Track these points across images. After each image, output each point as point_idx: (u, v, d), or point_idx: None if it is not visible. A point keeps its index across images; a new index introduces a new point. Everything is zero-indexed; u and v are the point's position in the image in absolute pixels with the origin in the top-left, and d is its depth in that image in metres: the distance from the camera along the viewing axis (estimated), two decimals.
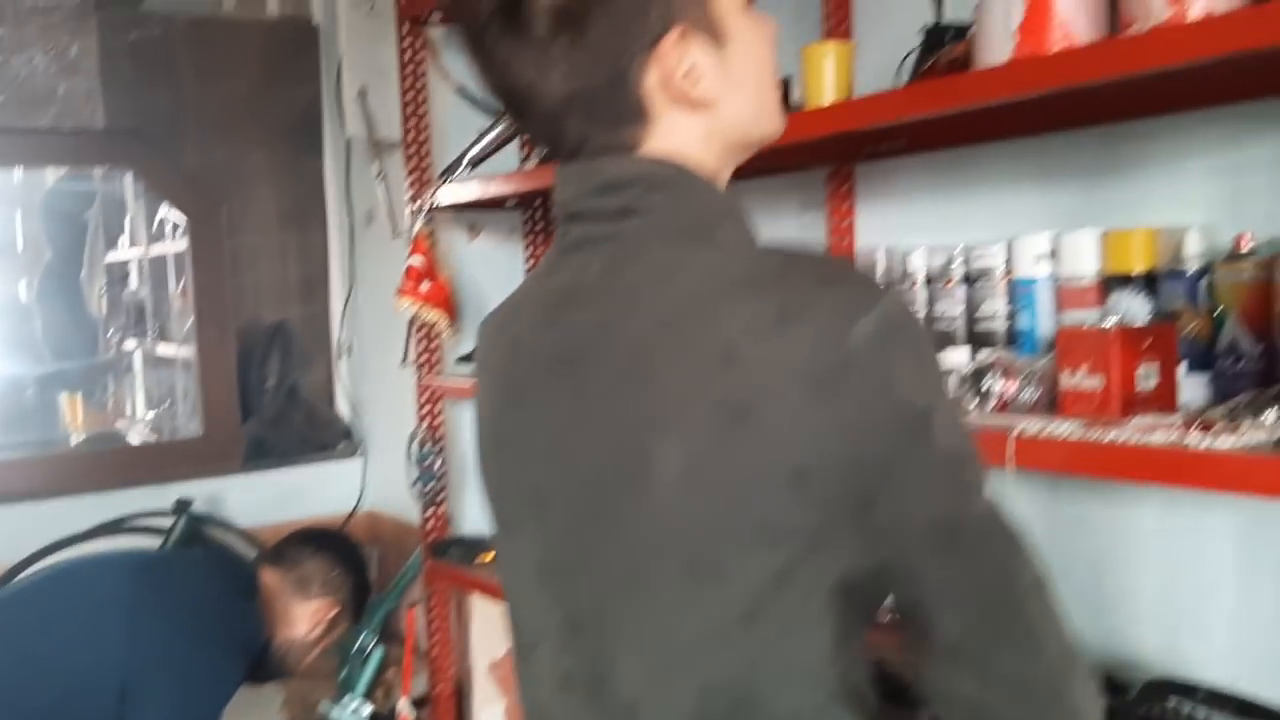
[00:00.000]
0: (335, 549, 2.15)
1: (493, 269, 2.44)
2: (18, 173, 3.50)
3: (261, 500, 2.83)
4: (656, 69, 0.84)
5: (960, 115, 1.27)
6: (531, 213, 2.41)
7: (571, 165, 0.90)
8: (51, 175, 3.67)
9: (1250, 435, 1.05)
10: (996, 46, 1.19)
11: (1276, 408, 1.06)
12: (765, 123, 0.92)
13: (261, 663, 2.05)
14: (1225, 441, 1.05)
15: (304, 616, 2.06)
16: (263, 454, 2.89)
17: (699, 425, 0.78)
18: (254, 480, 2.86)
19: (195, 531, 2.63)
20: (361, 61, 2.49)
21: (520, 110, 0.89)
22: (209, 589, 2.01)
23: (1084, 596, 1.52)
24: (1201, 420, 1.11)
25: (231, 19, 2.84)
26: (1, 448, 3.19)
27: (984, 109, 1.23)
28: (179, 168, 2.73)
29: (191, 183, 2.75)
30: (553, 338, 0.89)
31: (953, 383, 1.40)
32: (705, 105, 0.87)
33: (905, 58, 1.46)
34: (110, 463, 2.80)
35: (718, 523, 0.79)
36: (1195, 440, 1.07)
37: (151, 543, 2.58)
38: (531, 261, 2.42)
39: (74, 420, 3.73)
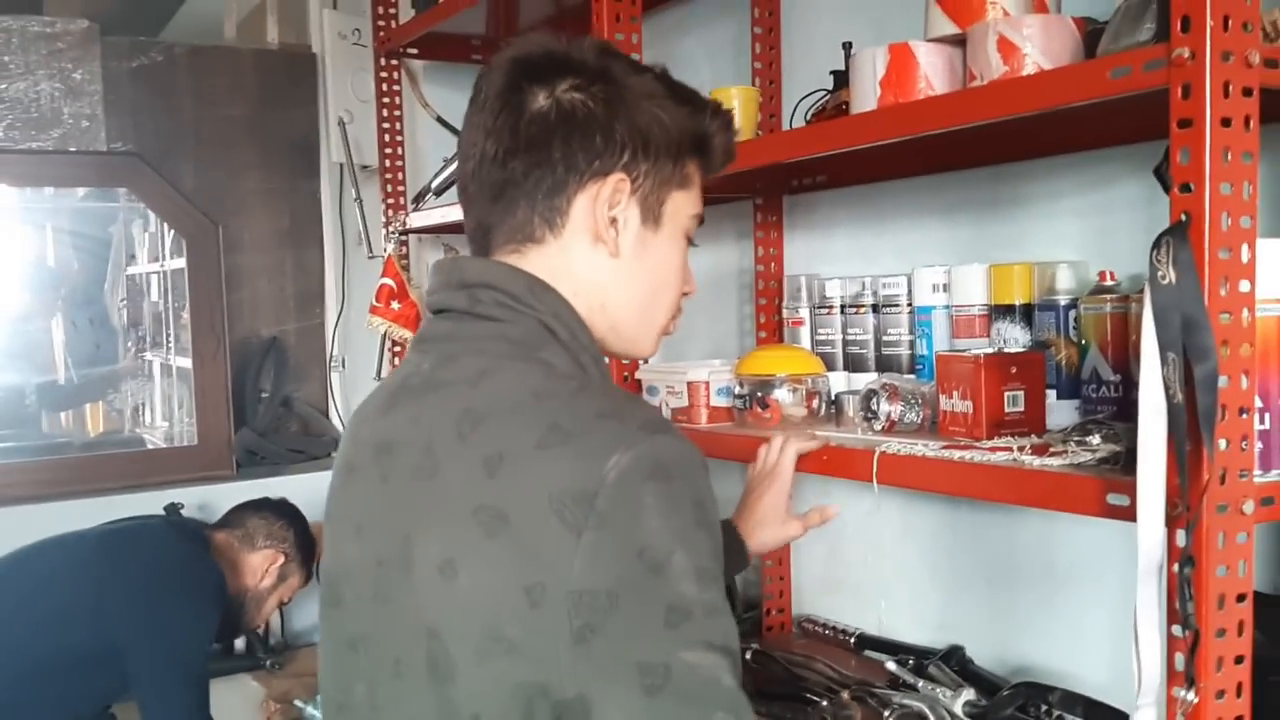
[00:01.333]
0: (275, 508, 2.32)
1: None
2: (48, 191, 3.68)
3: None
4: (591, 194, 0.91)
5: (861, 152, 1.37)
6: None
7: (442, 260, 0.99)
8: (80, 192, 3.84)
9: (1075, 456, 1.13)
10: (865, 95, 1.29)
11: (1101, 432, 1.15)
12: (642, 330, 0.98)
13: (227, 618, 2.19)
14: (1052, 461, 1.13)
15: (254, 566, 2.21)
16: (256, 462, 3.01)
17: (458, 527, 0.81)
18: (246, 487, 2.97)
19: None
20: (345, 90, 2.63)
21: (467, 171, 0.96)
22: (169, 547, 2.16)
23: (984, 605, 1.60)
24: (1039, 444, 1.20)
25: (232, 47, 2.99)
26: (14, 451, 3.33)
27: (869, 149, 1.33)
28: (177, 189, 2.87)
29: (189, 203, 2.89)
30: (380, 426, 0.94)
31: (849, 405, 1.49)
32: (610, 255, 0.93)
33: (800, 100, 1.56)
34: (110, 468, 2.94)
35: (459, 624, 0.81)
36: (1027, 460, 1.15)
37: None
38: None
39: (94, 426, 3.88)
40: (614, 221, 0.92)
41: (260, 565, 2.26)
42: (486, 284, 0.91)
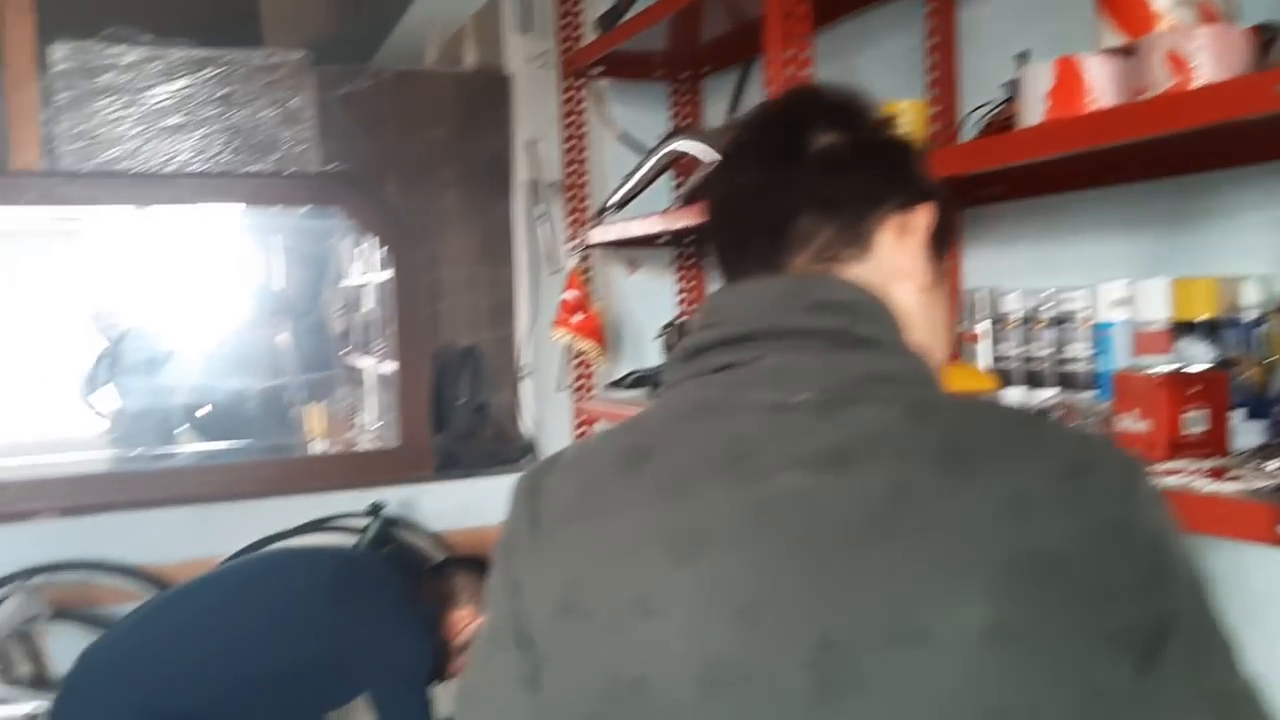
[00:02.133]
0: (482, 568, 2.38)
1: (648, 301, 2.61)
2: (273, 210, 3.97)
3: (451, 507, 3.10)
4: (898, 221, 0.87)
5: (1033, 166, 1.34)
6: (682, 249, 2.57)
7: (755, 281, 0.86)
8: (301, 210, 4.13)
9: (1251, 481, 1.08)
10: (1032, 109, 1.26)
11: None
12: (938, 350, 0.90)
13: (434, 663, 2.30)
14: (1225, 486, 1.08)
15: (454, 622, 2.29)
16: (453, 464, 3.16)
17: (993, 582, 0.70)
18: (445, 488, 3.13)
19: (387, 533, 2.92)
20: (534, 111, 2.73)
21: (738, 205, 0.90)
22: (397, 583, 2.28)
23: None
24: (1217, 467, 1.15)
25: (432, 71, 3.15)
26: (240, 451, 3.61)
27: (1039, 162, 1.30)
28: (383, 207, 3.05)
29: (394, 220, 3.06)
30: (752, 488, 0.78)
31: None
32: (918, 287, 0.88)
33: (969, 113, 1.54)
34: (322, 468, 3.15)
35: (1027, 690, 0.70)
36: (1198, 484, 1.11)
37: (348, 540, 2.89)
38: (683, 295, 2.58)
39: (315, 428, 4.17)
40: (918, 252, 0.88)
41: (459, 622, 2.32)
42: (850, 305, 0.83)
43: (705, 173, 0.95)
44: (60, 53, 2.66)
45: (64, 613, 2.57)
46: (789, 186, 0.87)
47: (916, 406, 0.78)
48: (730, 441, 0.80)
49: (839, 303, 0.83)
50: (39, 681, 2.59)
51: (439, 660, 2.29)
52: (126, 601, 2.47)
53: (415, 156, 3.08)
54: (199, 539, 2.79)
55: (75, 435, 3.53)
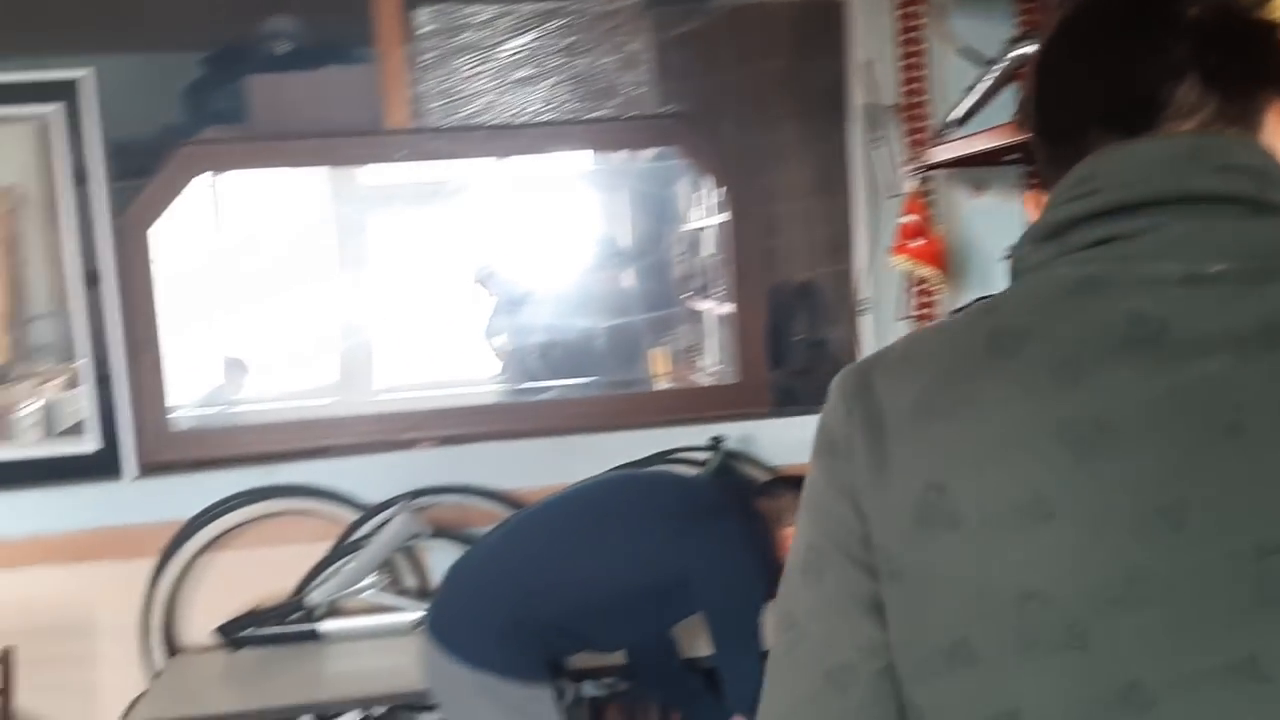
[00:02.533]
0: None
1: (994, 223, 2.49)
2: (620, 155, 4.12)
3: (788, 442, 3.11)
4: (1279, 107, 0.77)
5: None
6: (1033, 166, 2.42)
7: (1141, 144, 0.75)
8: (647, 154, 4.26)
9: None
10: None
11: None
12: None
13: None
14: None
15: (782, 542, 2.31)
16: (791, 400, 3.17)
17: None
18: (782, 424, 3.15)
19: (727, 466, 2.98)
20: (868, 32, 2.64)
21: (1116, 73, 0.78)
22: (736, 504, 2.32)
23: None
24: None
25: (765, 3, 3.13)
26: (590, 386, 3.79)
27: None
28: (719, 145, 3.08)
29: (730, 158, 3.08)
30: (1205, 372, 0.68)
31: None
32: None
33: None
34: (665, 402, 3.26)
35: None
36: None
37: (690, 472, 2.98)
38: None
39: (659, 368, 4.32)
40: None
41: (788, 540, 2.35)
42: (1263, 170, 0.73)
43: (1042, 42, 0.83)
44: (423, 16, 2.88)
45: (442, 532, 2.83)
46: (1167, 53, 0.76)
47: None
48: (1131, 320, 0.70)
49: (1253, 166, 0.73)
50: (422, 593, 2.87)
51: (773, 580, 2.31)
52: (495, 523, 2.67)
53: (750, 91, 3.09)
54: (557, 468, 2.96)
55: (469, 374, 3.86)
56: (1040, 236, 0.77)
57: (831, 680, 0.78)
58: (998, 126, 2.08)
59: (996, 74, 2.16)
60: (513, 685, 2.13)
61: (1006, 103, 2.28)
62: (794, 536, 0.83)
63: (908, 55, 2.43)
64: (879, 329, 3.14)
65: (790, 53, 3.08)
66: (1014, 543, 0.69)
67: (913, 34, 2.43)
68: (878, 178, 2.93)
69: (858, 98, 2.77)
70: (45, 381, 3.97)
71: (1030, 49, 2.10)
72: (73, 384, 4.00)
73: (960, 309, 2.22)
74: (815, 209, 3.19)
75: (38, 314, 4.44)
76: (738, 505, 2.29)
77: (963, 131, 2.21)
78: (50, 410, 3.73)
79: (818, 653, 0.79)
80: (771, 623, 0.88)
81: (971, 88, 2.18)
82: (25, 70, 2.84)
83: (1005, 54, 2.13)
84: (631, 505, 2.31)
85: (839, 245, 3.21)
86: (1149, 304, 0.70)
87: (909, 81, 2.43)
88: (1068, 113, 0.80)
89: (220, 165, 3.01)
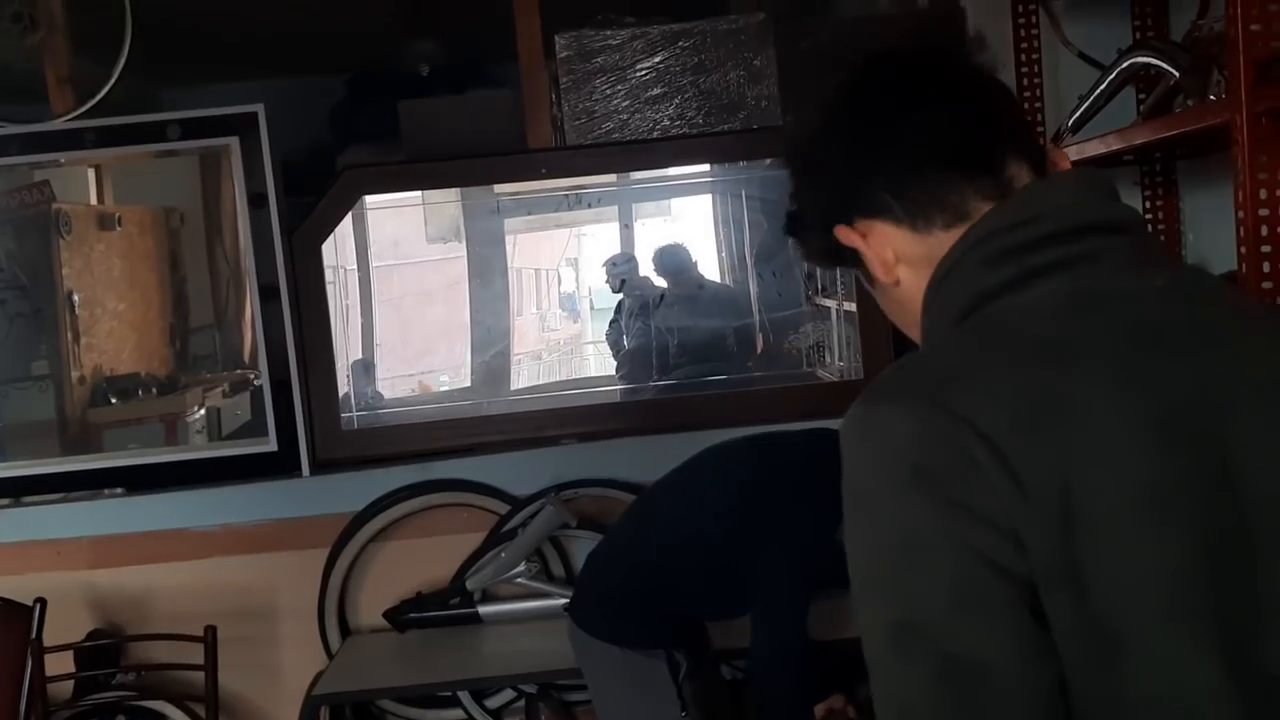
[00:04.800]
0: None
1: None
2: (741, 164, 4.27)
3: None
4: None
5: None
6: (1150, 166, 2.49)
7: (1078, 171, 0.96)
8: (766, 162, 4.39)
9: None
10: None
11: None
12: None
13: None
14: None
15: None
16: None
17: None
18: None
19: None
20: (988, 40, 2.74)
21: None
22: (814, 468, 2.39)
23: None
24: None
25: (887, 14, 3.25)
26: (722, 383, 3.94)
27: None
28: None
29: None
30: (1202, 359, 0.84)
31: None
32: None
33: None
34: (791, 398, 3.39)
35: None
36: None
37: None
38: (1149, 214, 2.50)
39: (780, 365, 4.44)
40: None
41: None
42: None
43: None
44: (562, 42, 3.08)
45: (585, 522, 3.03)
46: (997, 113, 0.94)
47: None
48: (1139, 326, 0.84)
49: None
50: (568, 579, 3.08)
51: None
52: None
53: None
54: None
55: (602, 372, 4.07)
56: (993, 259, 0.87)
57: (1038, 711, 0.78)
58: (1114, 131, 2.17)
59: (1112, 78, 2.24)
60: (631, 654, 2.30)
61: (1121, 107, 2.36)
62: (900, 579, 0.80)
63: (1024, 62, 2.53)
64: None
65: None
66: (1147, 531, 0.78)
67: (1029, 40, 2.53)
68: None
69: None
70: (209, 389, 4.32)
71: (1144, 55, 2.19)
72: (234, 391, 4.35)
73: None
74: None
75: (197, 327, 4.82)
76: (815, 464, 2.36)
77: (1079, 136, 2.30)
78: (216, 416, 4.07)
79: (1013, 689, 0.77)
80: (916, 671, 0.79)
81: (1087, 93, 2.27)
82: (200, 106, 3.12)
83: (1120, 60, 2.22)
84: (713, 467, 2.41)
85: None
86: (1144, 311, 0.85)
87: (1026, 88, 2.53)
88: (903, 162, 0.93)
89: (381, 186, 3.26)
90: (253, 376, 4.53)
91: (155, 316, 4.65)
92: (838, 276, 3.61)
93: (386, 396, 3.98)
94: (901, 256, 0.94)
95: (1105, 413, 0.80)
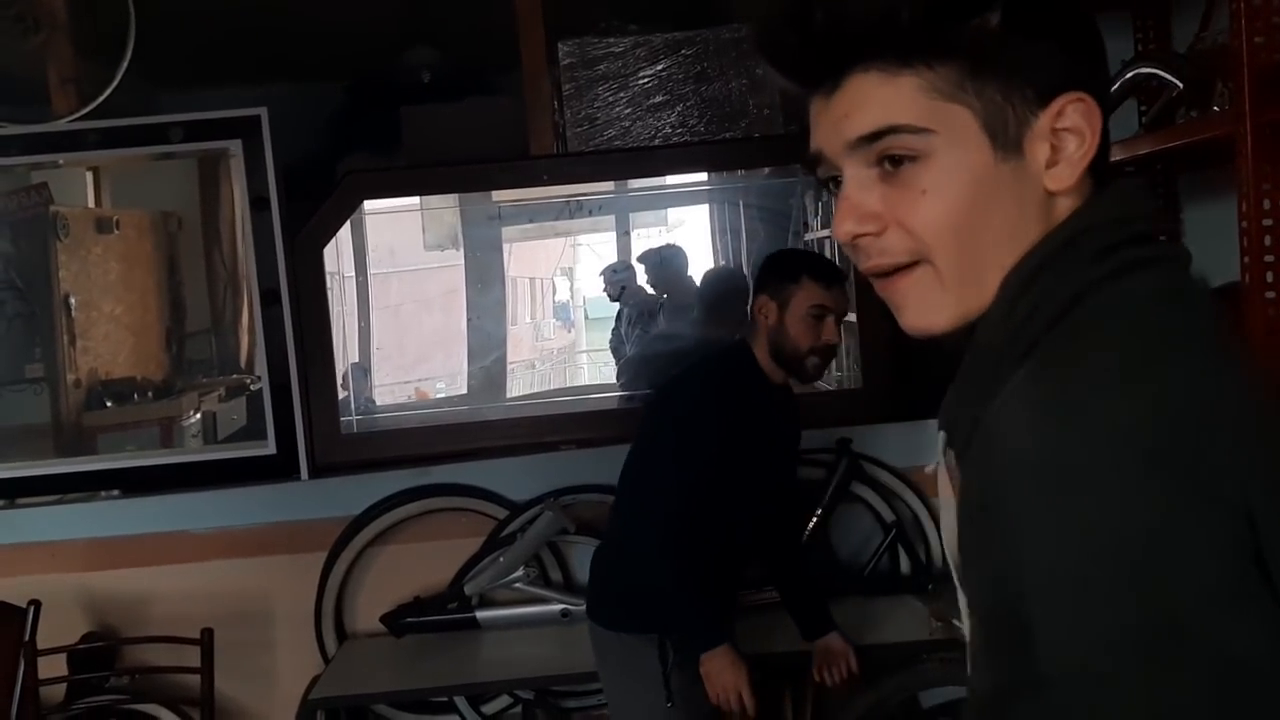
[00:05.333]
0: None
1: None
2: (739, 172, 4.29)
3: (912, 445, 3.24)
4: None
5: None
6: (1152, 177, 2.51)
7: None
8: (764, 171, 4.40)
9: None
10: None
11: None
12: None
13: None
14: None
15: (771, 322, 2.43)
16: (915, 405, 3.27)
17: None
18: (907, 428, 3.27)
19: (854, 468, 3.12)
20: None
21: None
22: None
23: None
24: None
25: None
26: None
27: None
28: None
29: None
30: None
31: None
32: None
33: None
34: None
35: None
36: None
37: (818, 474, 3.12)
38: None
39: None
40: None
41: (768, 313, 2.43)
42: None
43: None
44: (565, 49, 3.09)
45: (584, 528, 3.03)
46: None
47: None
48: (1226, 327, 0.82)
49: None
50: (567, 586, 3.07)
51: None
52: None
53: None
54: None
55: (598, 380, 4.08)
56: (1093, 256, 0.79)
57: None
58: (1116, 142, 2.18)
59: (1115, 89, 2.26)
60: (625, 638, 2.34)
61: (1123, 118, 2.38)
62: (1154, 575, 0.67)
63: None
64: None
65: None
66: None
67: None
68: None
69: None
70: (205, 394, 4.31)
71: (1147, 67, 2.20)
72: (230, 396, 4.34)
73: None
74: None
75: (194, 331, 4.81)
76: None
77: None
78: (212, 420, 4.06)
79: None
80: (1185, 680, 0.67)
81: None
82: (200, 111, 3.12)
83: (1123, 71, 2.23)
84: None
85: None
86: (1218, 311, 0.82)
87: None
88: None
89: (383, 191, 3.27)
90: (249, 381, 4.52)
91: (152, 320, 4.64)
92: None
93: (383, 403, 3.98)
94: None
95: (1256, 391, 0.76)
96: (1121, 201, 0.82)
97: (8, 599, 2.66)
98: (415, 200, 4.00)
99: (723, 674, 2.21)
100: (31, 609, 2.64)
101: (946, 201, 0.79)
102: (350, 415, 3.28)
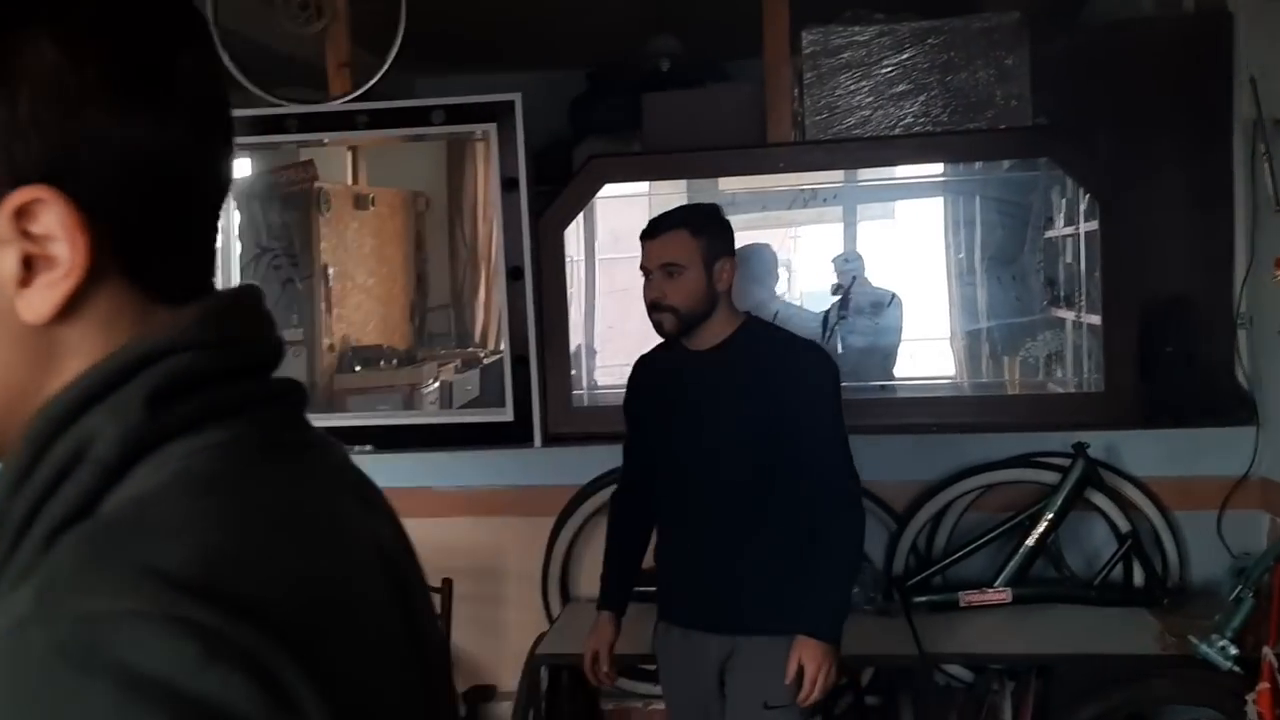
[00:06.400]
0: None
1: None
2: (977, 165, 4.20)
3: (1154, 455, 3.10)
4: None
5: None
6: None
7: None
8: (1004, 164, 4.29)
9: None
10: None
11: None
12: None
13: None
14: None
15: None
16: (1159, 413, 3.14)
17: None
18: (1149, 436, 3.13)
19: (1090, 474, 3.01)
20: (1259, 45, 2.61)
21: None
22: None
23: None
24: None
25: (1148, 17, 3.13)
26: (947, 387, 3.88)
27: None
28: (1093, 156, 3.10)
29: (1104, 169, 3.10)
30: None
31: None
32: None
33: None
34: (1022, 407, 3.32)
35: None
36: None
37: (1050, 478, 3.03)
38: None
39: (1010, 372, 4.34)
40: None
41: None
42: None
43: None
44: (809, 37, 3.11)
45: None
46: None
47: None
48: None
49: None
50: None
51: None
52: None
53: (1126, 104, 3.09)
54: (914, 464, 3.13)
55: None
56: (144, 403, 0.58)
57: None
58: None
59: None
60: None
61: None
62: None
63: None
64: (1258, 344, 3.06)
65: (1171, 66, 3.06)
66: None
67: None
68: (1261, 193, 2.87)
69: (1243, 111, 2.74)
70: (443, 364, 4.56)
71: None
72: (465, 367, 4.57)
73: None
74: (1191, 222, 3.15)
75: (435, 305, 5.08)
76: None
77: None
78: (449, 389, 4.29)
79: None
80: None
81: None
82: (450, 94, 3.30)
83: None
84: None
85: (1215, 259, 3.15)
86: None
87: None
88: None
89: (623, 176, 3.37)
90: (482, 355, 4.77)
91: (398, 293, 4.95)
92: (1081, 285, 3.50)
93: (605, 383, 4.11)
94: None
95: None
96: (176, 329, 0.58)
97: None
98: (644, 186, 4.10)
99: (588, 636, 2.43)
100: None
101: None
102: (581, 389, 3.41)
